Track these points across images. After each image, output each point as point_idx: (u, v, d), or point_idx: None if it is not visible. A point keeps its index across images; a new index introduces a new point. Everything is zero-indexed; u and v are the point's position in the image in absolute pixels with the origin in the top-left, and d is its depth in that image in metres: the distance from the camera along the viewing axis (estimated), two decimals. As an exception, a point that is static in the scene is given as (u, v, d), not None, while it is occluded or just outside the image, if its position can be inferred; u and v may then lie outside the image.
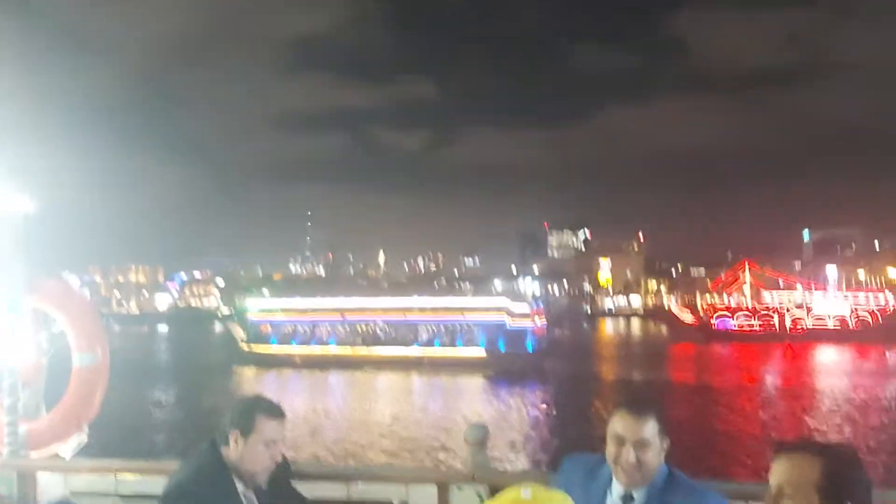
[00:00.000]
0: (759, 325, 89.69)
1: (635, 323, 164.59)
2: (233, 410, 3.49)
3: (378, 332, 69.13)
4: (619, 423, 3.12)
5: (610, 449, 3.13)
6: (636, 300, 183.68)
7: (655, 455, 3.10)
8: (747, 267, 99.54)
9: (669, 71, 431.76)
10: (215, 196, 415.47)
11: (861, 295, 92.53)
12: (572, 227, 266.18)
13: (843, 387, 56.07)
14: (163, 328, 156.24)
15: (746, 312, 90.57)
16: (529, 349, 66.02)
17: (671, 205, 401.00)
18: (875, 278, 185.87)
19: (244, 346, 69.75)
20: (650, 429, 3.09)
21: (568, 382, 59.43)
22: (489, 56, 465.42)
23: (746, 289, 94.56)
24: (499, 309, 68.20)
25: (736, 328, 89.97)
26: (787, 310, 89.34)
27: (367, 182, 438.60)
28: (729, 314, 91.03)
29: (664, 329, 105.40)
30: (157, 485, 3.60)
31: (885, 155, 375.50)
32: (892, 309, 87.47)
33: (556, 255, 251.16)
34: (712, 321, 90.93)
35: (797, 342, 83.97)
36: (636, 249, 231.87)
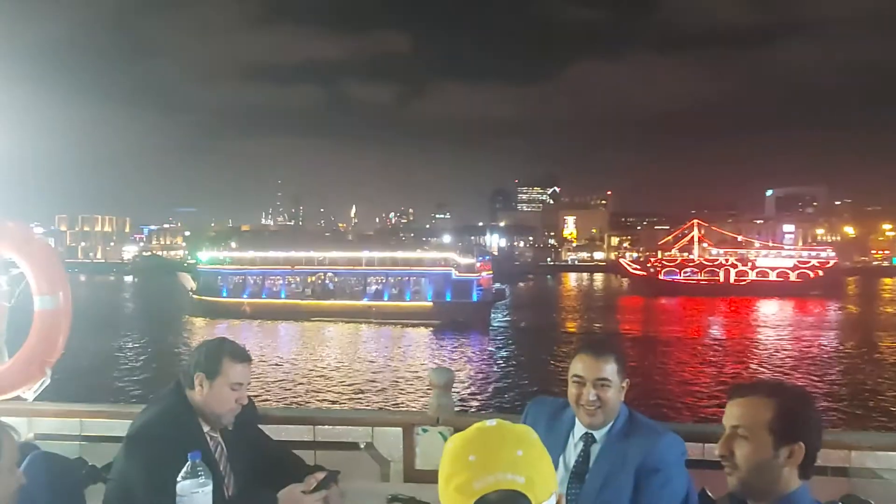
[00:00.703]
0: (705, 279, 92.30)
1: (598, 277, 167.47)
2: (198, 353, 3.50)
3: (328, 283, 70.47)
4: (579, 364, 3.25)
5: (571, 390, 3.26)
6: (600, 255, 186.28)
7: (615, 394, 3.23)
8: (696, 224, 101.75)
9: (639, 28, 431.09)
10: (187, 146, 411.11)
11: (804, 251, 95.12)
12: (542, 184, 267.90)
13: (779, 340, 59.03)
14: (129, 278, 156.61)
15: (693, 267, 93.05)
16: (474, 300, 67.93)
17: (640, 162, 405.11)
18: (833, 234, 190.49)
19: (194, 297, 70.72)
20: (609, 368, 3.22)
21: (509, 332, 61.55)
22: (462, 10, 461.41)
23: (694, 245, 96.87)
24: (445, 261, 69.86)
25: (683, 281, 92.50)
26: (732, 265, 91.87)
27: (340, 135, 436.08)
28: (676, 268, 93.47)
29: (624, 282, 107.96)
30: (122, 427, 3.61)
31: (847, 113, 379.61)
32: (832, 264, 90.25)
33: (525, 209, 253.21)
34: (660, 275, 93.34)
35: (740, 295, 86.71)
36: (604, 205, 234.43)
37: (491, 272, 73.46)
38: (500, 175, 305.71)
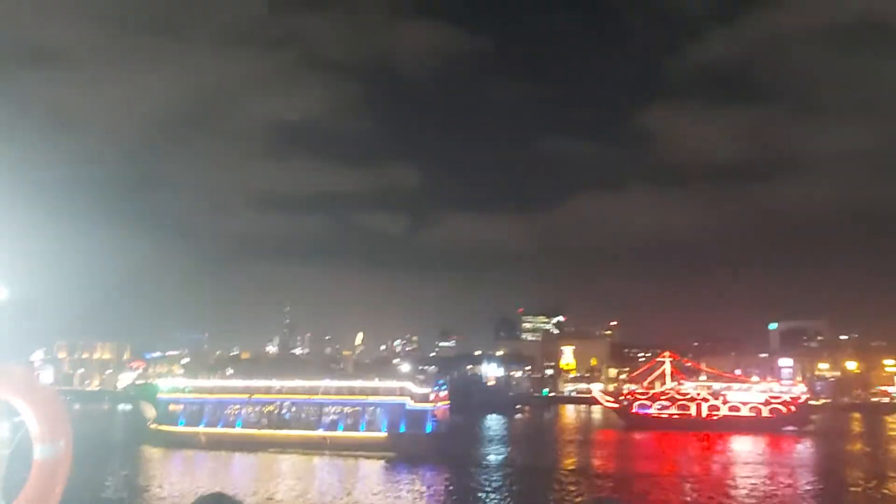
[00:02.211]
0: (677, 413, 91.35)
1: (596, 409, 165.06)
2: None
3: (284, 413, 70.81)
4: None
5: None
6: (599, 386, 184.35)
7: None
8: (668, 357, 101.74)
9: (639, 162, 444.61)
10: (197, 273, 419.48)
11: (776, 386, 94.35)
12: (547, 313, 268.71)
13: (751, 477, 58.11)
14: (121, 406, 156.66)
15: (665, 400, 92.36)
16: (429, 431, 67.76)
17: (644, 293, 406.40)
18: (836, 369, 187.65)
19: (153, 426, 71.10)
20: None
21: (467, 467, 60.73)
22: (467, 143, 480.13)
23: (667, 378, 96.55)
24: (401, 391, 70.27)
25: (655, 415, 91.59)
26: (704, 399, 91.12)
27: (348, 263, 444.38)
28: (648, 401, 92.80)
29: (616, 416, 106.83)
30: None
31: (849, 249, 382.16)
32: (803, 399, 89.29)
33: (529, 338, 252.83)
34: (633, 408, 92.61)
35: (713, 430, 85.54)
36: (609, 336, 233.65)
37: (448, 402, 73.59)
38: (506, 304, 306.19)
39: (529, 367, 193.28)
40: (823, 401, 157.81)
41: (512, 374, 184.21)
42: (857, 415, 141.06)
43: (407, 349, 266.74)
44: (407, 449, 63.56)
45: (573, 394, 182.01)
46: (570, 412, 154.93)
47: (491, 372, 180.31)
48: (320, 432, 68.71)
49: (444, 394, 73.09)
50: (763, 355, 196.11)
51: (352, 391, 71.39)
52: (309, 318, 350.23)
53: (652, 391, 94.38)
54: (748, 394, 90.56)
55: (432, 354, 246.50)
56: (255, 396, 71.65)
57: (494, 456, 69.21)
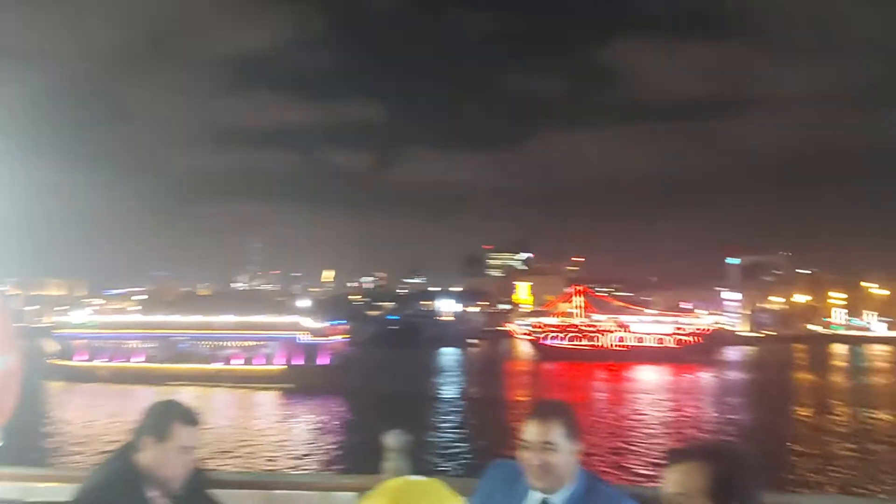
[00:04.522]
0: (587, 344, 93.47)
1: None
2: (147, 416, 3.46)
3: (181, 347, 72.31)
4: (525, 429, 3.29)
5: (520, 454, 3.29)
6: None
7: (563, 459, 3.23)
8: (580, 291, 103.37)
9: (605, 98, 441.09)
10: (162, 210, 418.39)
11: (684, 318, 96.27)
12: (514, 249, 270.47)
13: (653, 404, 60.10)
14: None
15: (575, 333, 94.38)
16: (325, 364, 69.47)
17: (608, 230, 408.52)
18: (788, 303, 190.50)
19: (53, 361, 72.41)
20: (555, 433, 3.22)
21: (364, 397, 62.40)
22: (433, 80, 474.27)
23: (578, 310, 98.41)
24: (298, 326, 71.76)
25: (566, 346, 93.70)
26: (611, 330, 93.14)
27: (315, 200, 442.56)
28: (559, 334, 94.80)
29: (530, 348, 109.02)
30: (66, 492, 3.55)
31: (807, 186, 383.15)
32: (710, 331, 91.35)
33: (496, 274, 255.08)
34: (545, 340, 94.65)
35: (620, 361, 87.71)
36: (573, 272, 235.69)
37: (347, 336, 75.20)
38: (473, 241, 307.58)
39: (487, 303, 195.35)
40: (767, 332, 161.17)
41: (467, 309, 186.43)
42: (799, 345, 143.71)
43: (379, 286, 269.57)
44: (302, 381, 65.17)
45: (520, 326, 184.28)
46: (520, 345, 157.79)
47: (447, 307, 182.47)
48: (218, 365, 70.31)
49: (340, 328, 74.55)
50: (718, 289, 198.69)
51: (249, 326, 72.72)
52: (279, 256, 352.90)
53: (563, 324, 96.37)
54: (656, 325, 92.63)
55: (400, 291, 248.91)
56: (152, 332, 72.97)
57: (394, 387, 70.83)
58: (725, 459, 2.45)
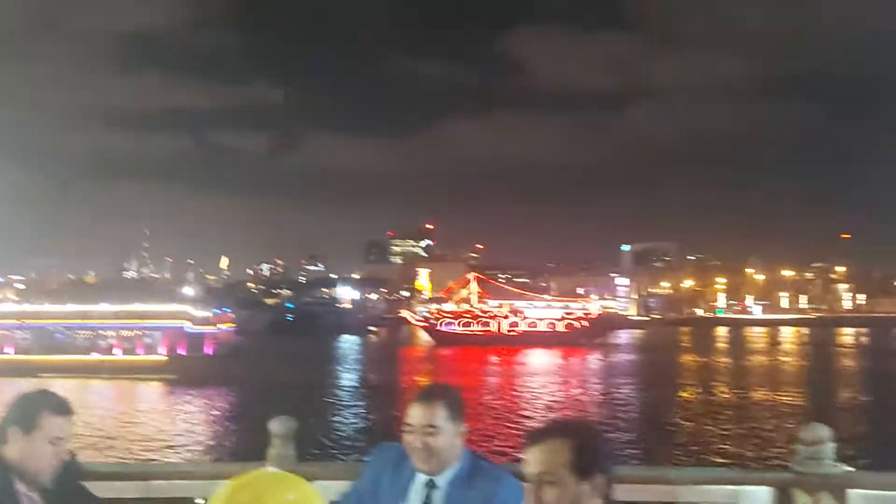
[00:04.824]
0: (480, 329, 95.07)
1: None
2: (12, 406, 3.31)
3: (58, 337, 69.23)
4: (409, 412, 3.32)
5: (404, 437, 3.32)
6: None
7: (446, 441, 3.26)
8: (476, 277, 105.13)
9: (507, 87, 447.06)
10: (49, 197, 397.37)
11: (573, 303, 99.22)
12: (416, 237, 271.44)
13: (544, 385, 61.14)
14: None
15: (469, 318, 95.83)
16: (210, 354, 67.84)
17: (509, 217, 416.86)
18: (675, 288, 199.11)
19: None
20: (438, 416, 3.25)
21: (252, 387, 61.18)
22: (334, 65, 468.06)
23: (473, 297, 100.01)
24: (182, 314, 69.76)
25: (459, 332, 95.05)
26: (504, 316, 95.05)
27: (211, 185, 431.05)
28: (454, 319, 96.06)
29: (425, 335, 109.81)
30: None
31: (697, 175, 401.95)
32: (596, 316, 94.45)
33: (398, 261, 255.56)
34: (440, 325, 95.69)
35: (512, 345, 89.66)
36: (474, 259, 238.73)
37: (234, 325, 73.72)
38: (375, 228, 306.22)
39: (386, 290, 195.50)
40: (654, 316, 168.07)
41: (368, 296, 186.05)
42: (685, 328, 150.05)
43: (276, 273, 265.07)
44: (186, 371, 63.37)
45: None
46: (417, 332, 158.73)
47: (346, 295, 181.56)
48: (97, 356, 67.62)
49: (227, 316, 73.02)
50: (613, 275, 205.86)
51: (131, 315, 70.25)
52: (171, 242, 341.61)
53: (457, 309, 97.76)
54: (546, 310, 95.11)
55: (300, 278, 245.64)
56: (27, 321, 69.60)
57: (286, 377, 69.92)
58: (581, 434, 2.56)
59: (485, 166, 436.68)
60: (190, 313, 69.78)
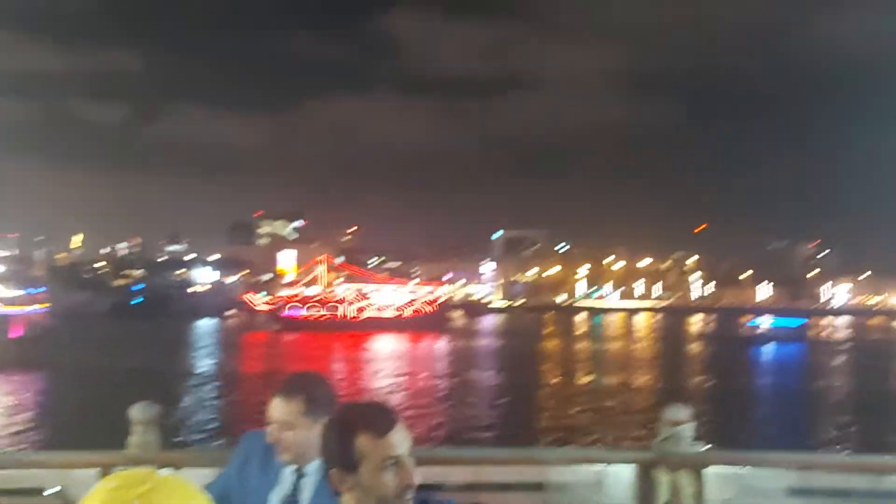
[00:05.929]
0: (327, 314, 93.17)
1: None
2: None
3: None
4: (270, 405, 3.22)
5: (267, 430, 3.22)
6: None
7: (302, 434, 3.13)
8: (323, 259, 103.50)
9: (383, 68, 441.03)
10: None
11: (420, 289, 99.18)
12: (287, 217, 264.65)
13: (388, 370, 59.37)
14: None
15: (316, 303, 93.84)
16: (20, 336, 63.14)
17: (384, 200, 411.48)
18: (542, 275, 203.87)
19: None
20: (293, 409, 3.14)
21: (70, 372, 56.91)
22: (197, 34, 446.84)
23: (320, 280, 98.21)
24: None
25: (305, 316, 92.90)
26: (351, 301, 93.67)
27: (61, 156, 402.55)
28: (299, 304, 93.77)
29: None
30: None
31: (572, 164, 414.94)
32: (440, 302, 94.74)
33: (265, 242, 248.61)
34: (284, 310, 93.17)
35: (358, 330, 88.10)
36: (345, 242, 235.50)
37: (46, 305, 68.34)
38: (243, 207, 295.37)
39: (248, 272, 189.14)
40: (518, 302, 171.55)
41: (226, 279, 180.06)
42: (547, 315, 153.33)
43: (134, 252, 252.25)
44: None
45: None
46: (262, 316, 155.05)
47: (204, 276, 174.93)
48: None
49: (39, 296, 67.72)
50: (484, 262, 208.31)
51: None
52: (17, 218, 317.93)
53: (304, 294, 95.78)
54: (393, 295, 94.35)
55: (160, 259, 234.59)
56: None
57: (112, 362, 65.74)
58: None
59: (363, 147, 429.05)
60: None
